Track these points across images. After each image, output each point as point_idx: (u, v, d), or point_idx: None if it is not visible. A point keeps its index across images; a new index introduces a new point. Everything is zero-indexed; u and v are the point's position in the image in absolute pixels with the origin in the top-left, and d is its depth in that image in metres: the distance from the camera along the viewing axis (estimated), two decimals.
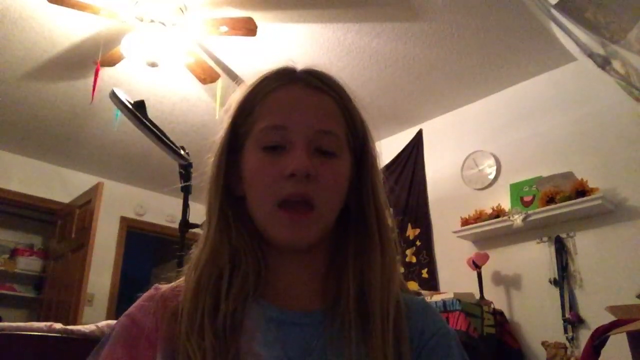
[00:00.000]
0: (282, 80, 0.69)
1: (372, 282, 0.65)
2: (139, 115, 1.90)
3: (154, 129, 1.93)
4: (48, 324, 1.88)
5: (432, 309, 0.71)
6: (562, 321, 2.79)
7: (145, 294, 0.68)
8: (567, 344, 2.70)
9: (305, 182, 0.63)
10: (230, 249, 0.65)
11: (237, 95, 0.71)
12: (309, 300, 0.67)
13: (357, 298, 0.64)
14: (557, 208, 2.87)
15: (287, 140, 0.65)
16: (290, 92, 0.68)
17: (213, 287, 0.63)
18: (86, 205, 4.34)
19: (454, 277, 3.35)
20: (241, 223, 0.67)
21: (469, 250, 3.31)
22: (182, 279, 0.68)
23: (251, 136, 0.67)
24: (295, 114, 0.66)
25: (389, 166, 4.04)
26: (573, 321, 2.75)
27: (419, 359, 0.65)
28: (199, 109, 3.77)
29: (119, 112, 2.05)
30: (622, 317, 1.70)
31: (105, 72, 3.15)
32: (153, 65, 2.81)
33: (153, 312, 0.64)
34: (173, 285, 0.68)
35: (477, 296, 3.00)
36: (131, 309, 0.66)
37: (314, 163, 0.64)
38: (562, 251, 2.92)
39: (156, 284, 0.69)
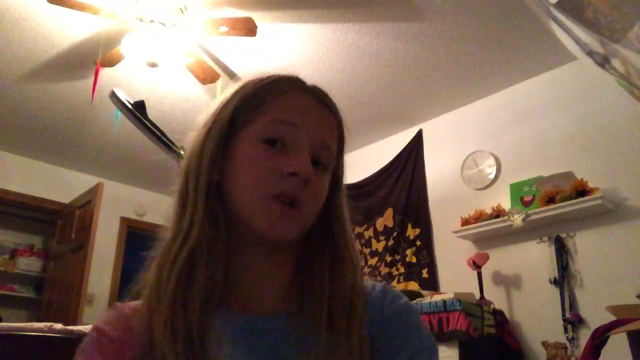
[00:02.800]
0: (296, 86, 0.71)
1: (340, 286, 0.66)
2: (139, 115, 1.90)
3: (154, 129, 1.93)
4: (48, 324, 1.88)
5: (392, 291, 0.72)
6: (562, 321, 2.79)
7: (107, 313, 0.68)
8: (568, 344, 2.70)
9: (302, 185, 0.64)
10: (208, 244, 0.64)
11: (242, 86, 0.72)
12: (275, 303, 0.67)
13: (325, 301, 0.65)
14: (557, 208, 2.87)
15: (292, 139, 0.66)
16: (305, 99, 0.70)
17: (184, 285, 0.62)
18: (86, 205, 4.34)
19: (454, 277, 3.35)
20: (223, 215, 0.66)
21: (469, 250, 3.31)
22: (139, 301, 0.66)
23: (253, 126, 0.67)
24: (307, 119, 0.68)
25: (388, 166, 4.05)
26: (573, 321, 2.74)
27: (380, 335, 0.66)
28: (199, 109, 3.74)
29: (119, 113, 2.06)
30: (623, 317, 1.70)
31: (105, 73, 3.15)
32: (153, 65, 2.81)
33: (118, 326, 0.64)
34: (133, 304, 0.67)
35: (478, 296, 2.99)
36: (97, 323, 0.66)
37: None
38: (562, 251, 2.92)
39: (116, 304, 0.69)
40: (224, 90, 0.74)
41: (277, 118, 0.67)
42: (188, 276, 0.62)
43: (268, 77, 0.72)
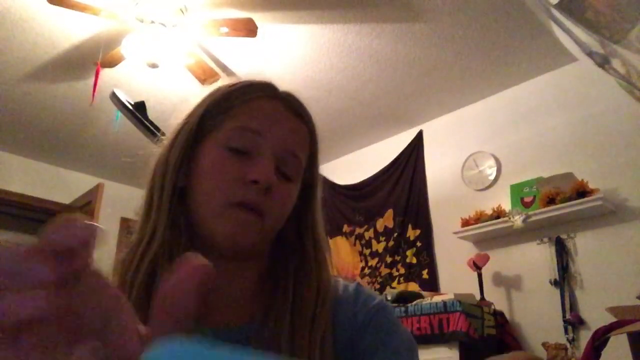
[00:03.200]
0: (265, 92, 0.70)
1: (304, 297, 0.65)
2: (139, 115, 1.91)
3: (155, 130, 1.93)
4: None
5: (364, 292, 0.70)
6: (562, 322, 2.78)
7: None
8: (568, 345, 2.70)
9: (263, 193, 0.63)
10: (173, 250, 0.63)
11: (213, 90, 0.71)
12: (240, 313, 0.66)
13: (286, 313, 0.63)
14: (558, 209, 2.87)
15: (256, 148, 0.65)
16: (273, 105, 0.69)
17: (147, 296, 0.60)
18: (86, 206, 4.34)
19: (455, 278, 3.35)
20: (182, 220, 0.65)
21: (470, 251, 3.31)
22: None
23: (218, 131, 0.66)
24: (273, 127, 0.66)
25: (389, 167, 4.04)
26: (573, 322, 2.74)
27: (355, 340, 0.64)
28: None
29: (119, 113, 2.06)
30: (623, 318, 1.70)
31: (106, 73, 3.15)
32: (153, 66, 2.81)
33: None
34: None
35: (478, 297, 2.99)
36: None
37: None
38: (562, 252, 2.92)
39: None
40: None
41: (243, 125, 0.66)
42: (151, 285, 0.61)
43: (240, 82, 0.71)
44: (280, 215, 0.67)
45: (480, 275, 3.08)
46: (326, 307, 0.65)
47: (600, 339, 1.69)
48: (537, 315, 2.93)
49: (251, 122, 0.66)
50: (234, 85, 0.70)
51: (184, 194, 0.67)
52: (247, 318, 0.65)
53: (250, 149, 0.65)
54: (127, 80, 3.39)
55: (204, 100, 0.70)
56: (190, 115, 0.70)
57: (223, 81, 0.74)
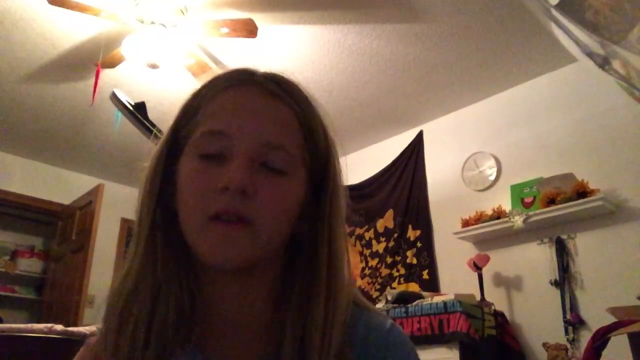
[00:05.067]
0: (235, 81, 0.61)
1: (312, 324, 0.56)
2: (139, 116, 1.91)
3: (155, 131, 1.93)
4: (49, 325, 1.88)
5: (394, 341, 0.62)
6: (563, 322, 2.78)
7: (79, 353, 0.63)
8: (568, 346, 2.70)
9: (240, 199, 0.54)
10: (153, 279, 0.58)
11: (185, 95, 0.65)
12: (251, 345, 0.60)
13: (298, 342, 0.56)
14: (558, 209, 2.86)
15: (227, 150, 0.57)
16: (241, 95, 0.60)
17: (133, 327, 0.56)
18: (87, 206, 4.34)
19: (455, 279, 3.35)
20: (171, 245, 0.59)
21: (470, 251, 3.31)
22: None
23: (190, 141, 0.59)
24: (241, 121, 0.58)
25: (389, 168, 4.04)
26: (574, 322, 2.74)
27: None
28: None
29: (119, 113, 2.07)
30: (623, 319, 1.70)
31: (106, 74, 3.15)
32: (153, 66, 2.81)
33: None
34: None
35: (478, 297, 2.99)
36: None
37: (256, 179, 0.55)
38: (562, 252, 2.91)
39: (90, 338, 0.63)
40: None
41: (209, 129, 0.58)
42: (134, 313, 0.57)
43: (208, 79, 0.64)
44: (276, 217, 0.57)
45: (480, 276, 3.08)
46: (337, 334, 0.57)
47: (601, 339, 1.69)
48: (537, 316, 2.93)
49: (217, 123, 0.58)
50: (201, 84, 0.64)
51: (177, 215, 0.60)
52: (262, 348, 0.59)
53: (223, 152, 0.57)
54: (127, 81, 3.39)
55: (179, 109, 0.64)
56: (167, 130, 0.64)
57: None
